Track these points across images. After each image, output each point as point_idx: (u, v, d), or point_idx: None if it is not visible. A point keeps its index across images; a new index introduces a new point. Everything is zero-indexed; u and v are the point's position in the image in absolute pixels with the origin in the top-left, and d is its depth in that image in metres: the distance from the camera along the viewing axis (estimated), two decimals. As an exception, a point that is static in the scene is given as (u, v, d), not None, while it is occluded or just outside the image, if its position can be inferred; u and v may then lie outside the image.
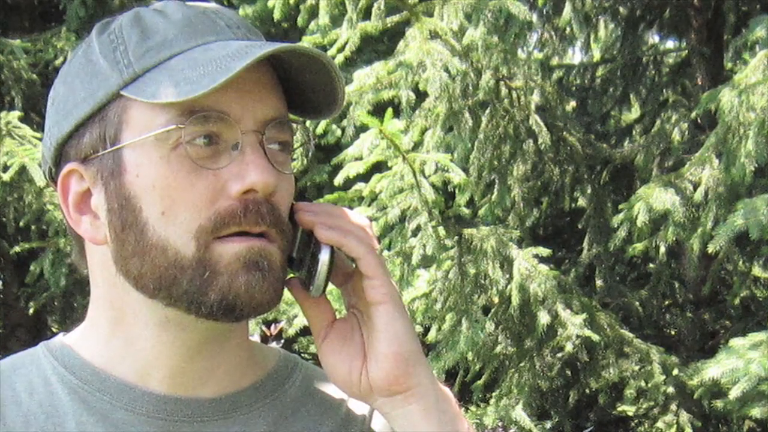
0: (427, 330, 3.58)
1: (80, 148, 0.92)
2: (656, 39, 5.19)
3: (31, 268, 4.88)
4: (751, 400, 2.99)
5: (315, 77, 0.92)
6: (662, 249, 3.58)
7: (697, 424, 3.75)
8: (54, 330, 6.37)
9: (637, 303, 4.17)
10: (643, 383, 3.65)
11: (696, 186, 3.33)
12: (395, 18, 3.45)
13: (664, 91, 4.85)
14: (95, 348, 0.96)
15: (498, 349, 3.69)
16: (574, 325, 3.37)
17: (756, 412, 3.03)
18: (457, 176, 3.15)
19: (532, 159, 3.90)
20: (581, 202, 4.48)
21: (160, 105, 0.87)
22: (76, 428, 0.92)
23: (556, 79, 4.99)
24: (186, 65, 0.87)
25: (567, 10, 4.01)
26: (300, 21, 3.55)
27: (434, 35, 3.29)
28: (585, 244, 4.21)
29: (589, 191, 4.17)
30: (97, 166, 0.91)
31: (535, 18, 4.36)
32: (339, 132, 3.52)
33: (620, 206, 3.48)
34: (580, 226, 4.30)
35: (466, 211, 3.39)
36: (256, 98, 0.90)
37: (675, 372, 3.62)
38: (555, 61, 4.98)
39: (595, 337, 3.41)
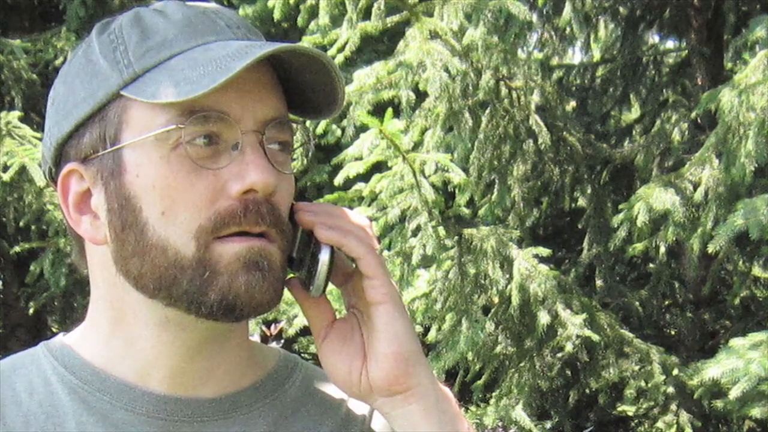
0: (427, 330, 3.58)
1: (80, 148, 0.92)
2: (656, 39, 5.19)
3: (31, 268, 4.88)
4: (751, 400, 2.99)
5: (315, 77, 0.92)
6: (662, 249, 3.58)
7: (697, 424, 3.75)
8: (54, 330, 6.37)
9: (637, 303, 4.17)
10: (643, 383, 3.65)
11: (696, 186, 3.33)
12: (395, 18, 3.45)
13: (664, 91, 4.85)
14: (95, 348, 0.96)
15: (498, 349, 3.69)
16: (574, 325, 3.37)
17: (756, 412, 3.03)
18: (457, 176, 3.15)
19: (532, 159, 3.90)
20: (581, 202, 4.48)
21: (160, 105, 0.87)
22: (76, 428, 0.92)
23: (556, 79, 4.99)
24: (186, 65, 0.87)
25: (567, 10, 4.01)
26: (300, 21, 3.55)
27: (434, 35, 3.29)
28: (585, 244, 4.21)
29: (589, 191, 4.17)
30: (97, 166, 0.91)
31: (535, 18, 4.36)
32: (339, 132, 3.52)
33: (620, 206, 3.48)
34: (580, 226, 4.30)
35: (466, 211, 3.39)
36: (256, 98, 0.90)
37: (675, 372, 3.62)
38: (555, 61, 4.98)
39: (595, 337, 3.41)
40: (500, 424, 3.91)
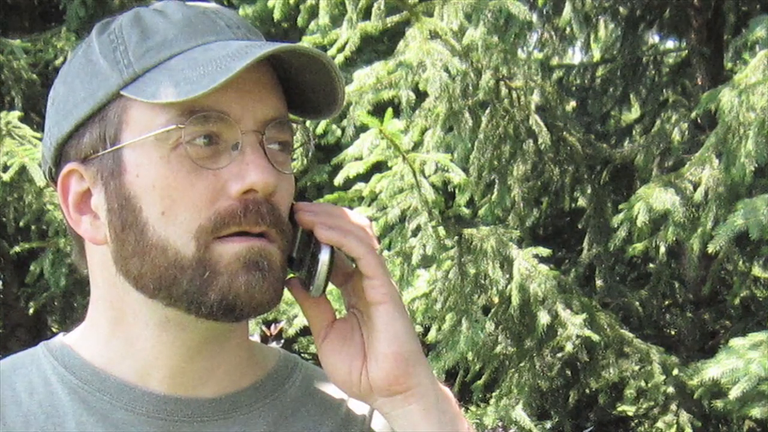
0: (427, 330, 3.58)
1: (80, 148, 0.92)
2: (656, 39, 5.19)
3: (31, 268, 4.88)
4: (751, 400, 2.99)
5: (315, 77, 0.92)
6: (662, 249, 3.58)
7: (697, 424, 3.75)
8: (54, 330, 6.37)
9: (637, 303, 4.17)
10: (643, 383, 3.65)
11: (696, 186, 3.33)
12: (395, 18, 3.45)
13: (664, 91, 4.85)
14: (95, 348, 0.96)
15: (498, 349, 3.69)
16: (574, 325, 3.37)
17: (756, 412, 3.03)
18: (457, 176, 3.15)
19: (532, 159, 3.90)
20: (581, 202, 4.48)
21: (160, 105, 0.87)
22: (76, 428, 0.92)
23: (556, 79, 4.99)
24: (186, 65, 0.87)
25: (567, 10, 4.01)
26: (300, 21, 3.55)
27: (434, 35, 3.29)
28: (585, 244, 4.21)
29: (589, 191, 4.17)
30: (97, 166, 0.91)
31: (535, 18, 4.36)
32: (339, 132, 3.52)
33: (620, 206, 3.48)
34: (580, 226, 4.30)
35: (466, 211, 3.39)
36: (256, 98, 0.90)
37: (675, 372, 3.62)
38: (555, 61, 4.98)
39: (595, 337, 3.41)
40: (500, 424, 3.91)
